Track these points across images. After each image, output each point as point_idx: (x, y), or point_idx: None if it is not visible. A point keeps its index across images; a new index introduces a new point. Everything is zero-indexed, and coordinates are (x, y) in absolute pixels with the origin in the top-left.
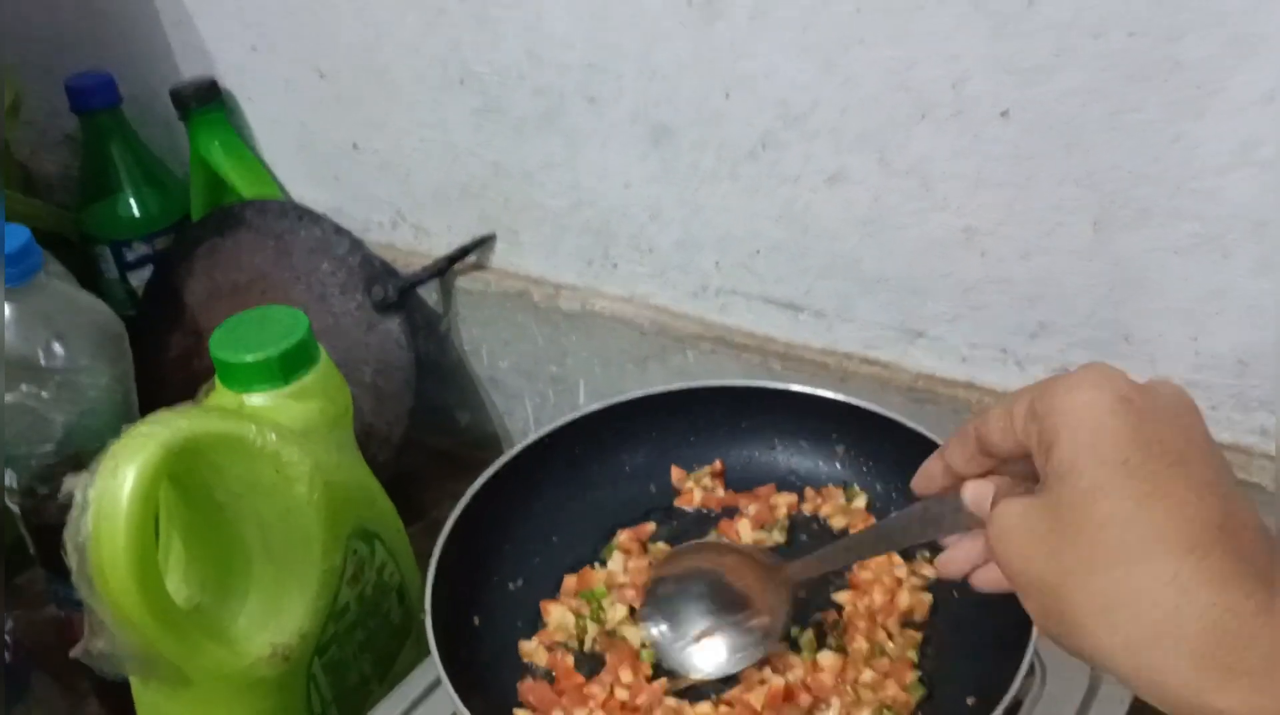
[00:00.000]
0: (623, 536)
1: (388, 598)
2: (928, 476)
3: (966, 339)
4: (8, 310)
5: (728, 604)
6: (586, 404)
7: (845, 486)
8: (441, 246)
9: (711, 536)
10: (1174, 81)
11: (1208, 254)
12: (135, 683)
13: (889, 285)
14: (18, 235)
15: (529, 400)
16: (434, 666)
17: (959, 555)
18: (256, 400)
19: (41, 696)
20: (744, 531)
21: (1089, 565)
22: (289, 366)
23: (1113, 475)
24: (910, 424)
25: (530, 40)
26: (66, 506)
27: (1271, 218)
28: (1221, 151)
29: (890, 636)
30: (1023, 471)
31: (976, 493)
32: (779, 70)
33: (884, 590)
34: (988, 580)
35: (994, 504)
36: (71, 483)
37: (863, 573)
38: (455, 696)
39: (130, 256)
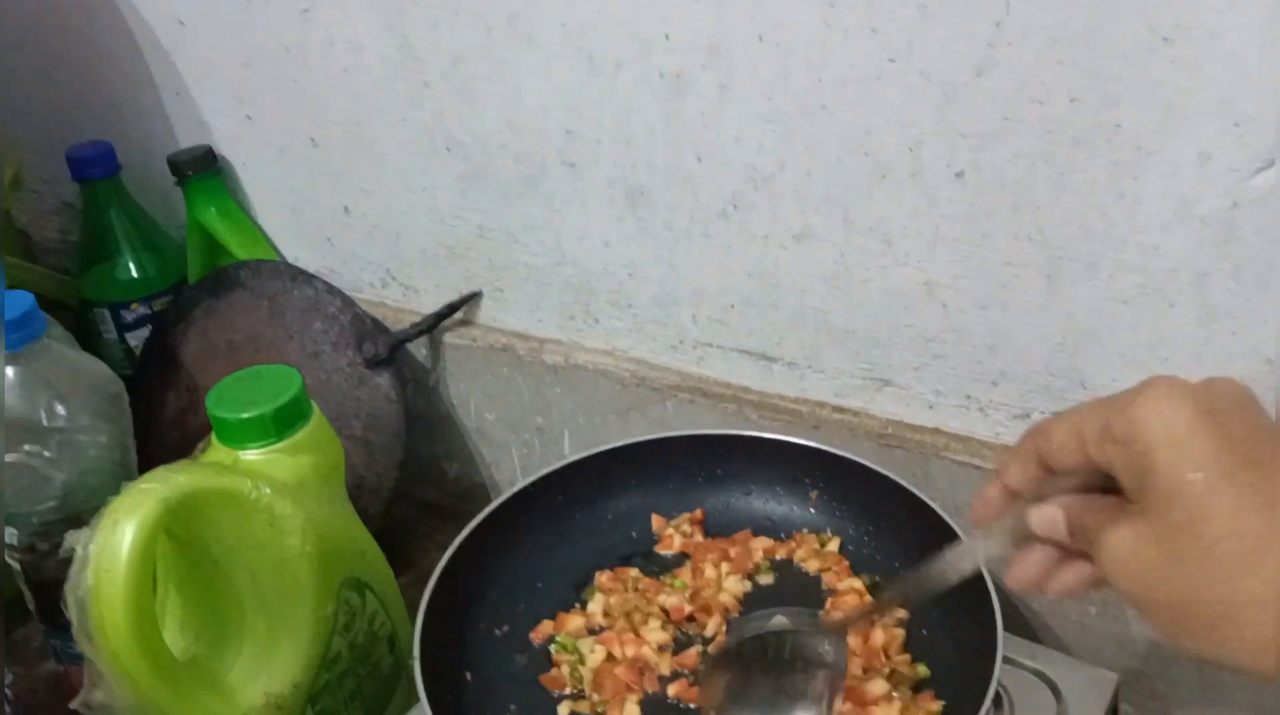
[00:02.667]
0: (602, 578)
1: (378, 646)
2: (987, 502)
3: (931, 387)
4: (11, 373)
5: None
6: (571, 453)
7: (819, 532)
8: (430, 304)
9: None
10: (1115, 143)
11: (1153, 304)
12: None
13: (856, 337)
14: (21, 302)
15: (515, 451)
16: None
17: (1031, 571)
18: (251, 455)
19: None
20: (728, 585)
21: (1209, 580)
22: (283, 423)
23: (1217, 493)
24: (880, 469)
25: (510, 111)
26: (66, 562)
27: (1211, 270)
28: (1163, 208)
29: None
30: (1082, 484)
31: (1046, 517)
32: (746, 136)
33: (860, 635)
34: (1062, 585)
35: (1070, 527)
36: (73, 538)
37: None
38: None
39: (128, 318)
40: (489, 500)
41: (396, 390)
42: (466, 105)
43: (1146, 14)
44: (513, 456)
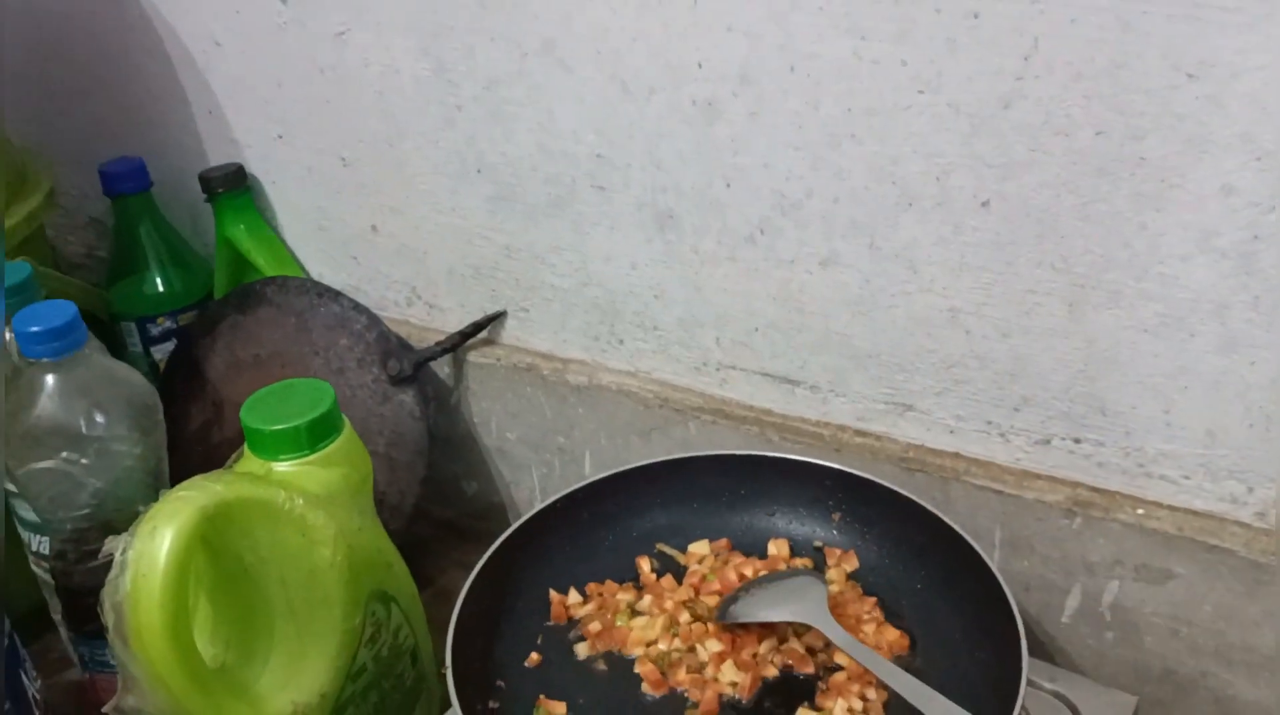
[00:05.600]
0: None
1: (401, 660)
2: None
3: (953, 412)
4: (51, 381)
5: None
6: (592, 474)
7: (841, 551)
8: (454, 323)
9: None
10: (1139, 175)
11: (1174, 333)
12: None
13: (879, 361)
14: (64, 311)
15: (535, 470)
16: None
17: None
18: (284, 467)
19: None
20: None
21: None
22: (315, 435)
23: None
24: (904, 491)
25: (542, 134)
26: (97, 570)
27: (1231, 301)
28: (1185, 239)
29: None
30: None
31: None
32: (775, 163)
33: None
34: None
35: None
36: (112, 543)
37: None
38: None
39: (154, 331)
40: (507, 520)
41: (420, 407)
42: (498, 128)
43: (1170, 52)
44: (532, 476)
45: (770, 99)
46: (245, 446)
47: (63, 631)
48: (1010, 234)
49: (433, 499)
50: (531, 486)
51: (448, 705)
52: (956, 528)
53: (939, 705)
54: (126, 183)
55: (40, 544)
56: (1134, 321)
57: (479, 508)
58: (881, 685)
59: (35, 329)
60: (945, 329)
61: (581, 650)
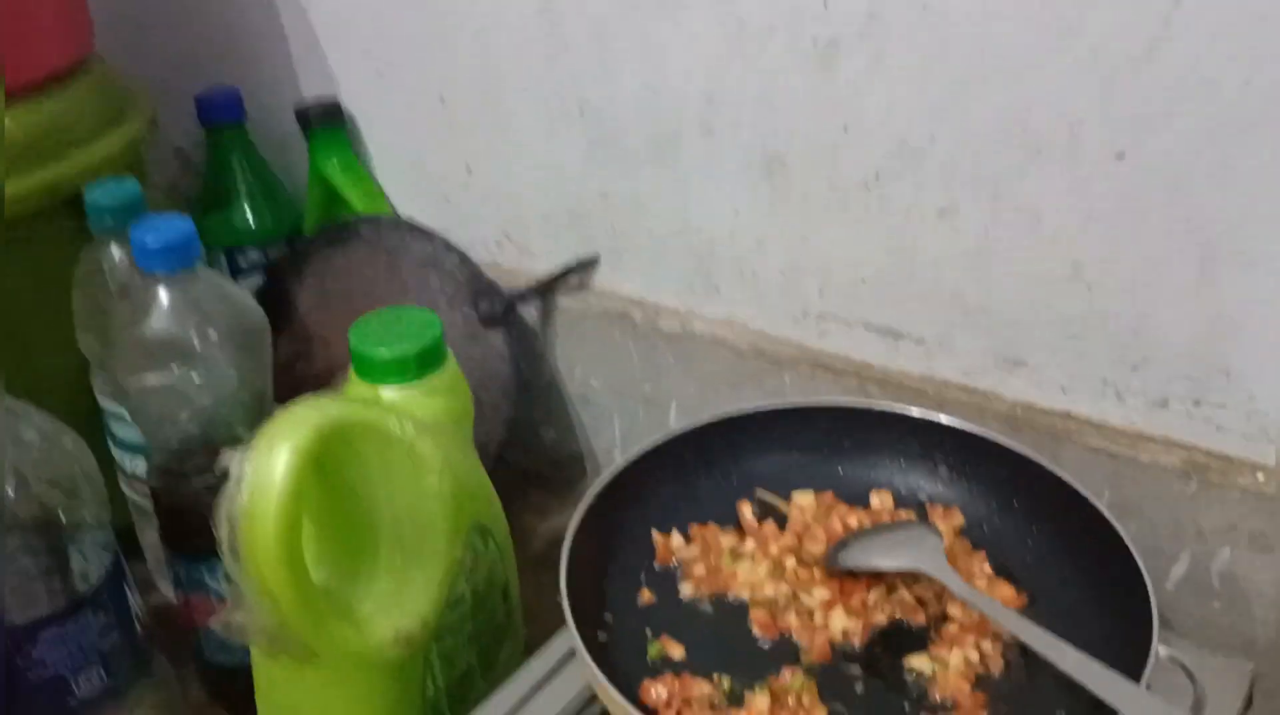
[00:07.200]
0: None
1: (494, 594)
2: None
3: (1066, 370)
4: (164, 295)
5: None
6: (678, 425)
7: (946, 505)
8: (544, 267)
9: None
10: None
11: None
12: (259, 659)
13: (991, 315)
14: (181, 227)
15: (618, 419)
16: (536, 667)
17: None
18: (390, 393)
19: (159, 677)
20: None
21: None
22: (423, 363)
23: None
24: (1016, 447)
25: (650, 75)
26: (198, 490)
27: None
28: None
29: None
30: None
31: None
32: (897, 109)
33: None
34: None
35: None
36: (228, 458)
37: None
38: (591, 663)
39: (243, 263)
40: (584, 469)
41: (510, 349)
42: (604, 68)
43: None
44: (614, 425)
45: (898, 40)
46: (351, 371)
47: (149, 556)
48: (1144, 188)
49: (508, 445)
50: (612, 436)
51: (533, 645)
52: (1076, 486)
53: (1070, 657)
54: (223, 112)
55: (135, 465)
56: (1268, 283)
57: (556, 456)
58: (997, 638)
59: (152, 241)
60: (1065, 284)
61: (686, 590)
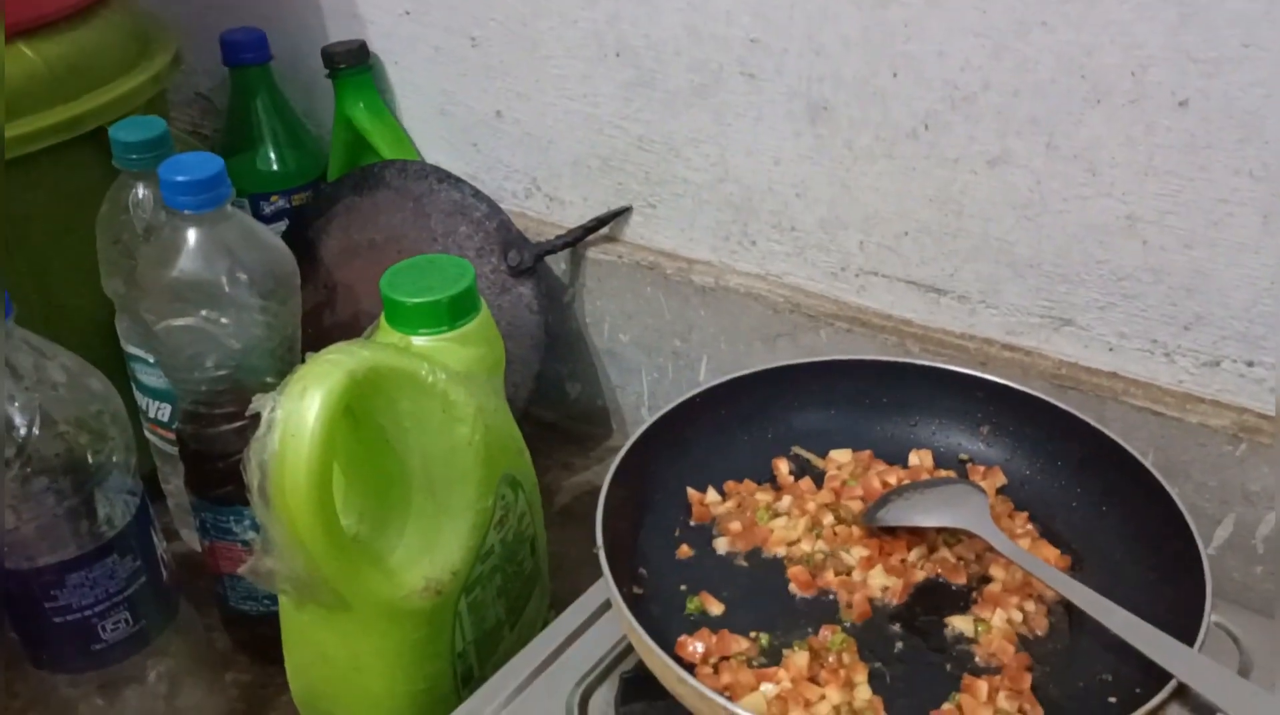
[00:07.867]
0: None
1: (523, 546)
2: None
3: (1115, 328)
4: (193, 236)
5: None
6: (708, 380)
7: (987, 466)
8: (573, 217)
9: None
10: None
11: None
12: (287, 607)
13: (1040, 270)
14: (210, 164)
15: (646, 375)
16: (566, 622)
17: None
18: (422, 341)
19: (185, 623)
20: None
21: None
22: (456, 311)
23: None
24: (1061, 404)
25: (692, 15)
26: (226, 435)
27: None
28: None
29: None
30: None
31: None
32: (951, 51)
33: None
34: None
35: None
36: (259, 402)
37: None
38: (629, 615)
39: (267, 210)
40: (610, 425)
41: (538, 301)
42: (644, 7)
43: None
44: (642, 381)
45: None
46: (382, 319)
47: (171, 504)
48: (1207, 137)
49: (533, 399)
50: (640, 391)
51: (558, 600)
52: (1125, 445)
53: (1119, 617)
54: (247, 53)
55: (160, 411)
56: None
57: (582, 410)
58: (1040, 599)
59: (181, 179)
60: (1120, 238)
61: (721, 545)
